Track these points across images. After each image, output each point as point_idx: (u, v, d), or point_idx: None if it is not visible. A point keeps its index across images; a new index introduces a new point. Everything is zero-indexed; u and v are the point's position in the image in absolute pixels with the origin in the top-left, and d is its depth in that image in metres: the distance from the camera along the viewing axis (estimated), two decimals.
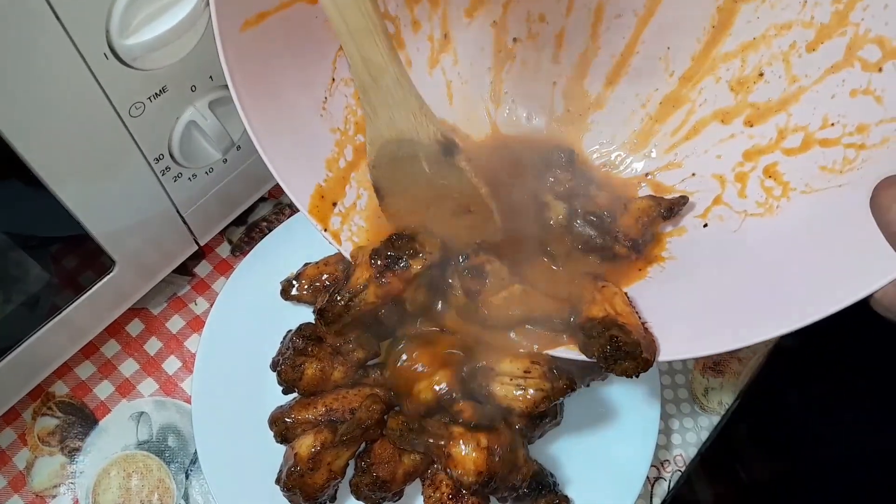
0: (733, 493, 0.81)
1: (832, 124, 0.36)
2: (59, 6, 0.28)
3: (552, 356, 0.38)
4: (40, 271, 0.38)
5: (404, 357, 0.39)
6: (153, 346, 0.53)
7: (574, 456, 0.46)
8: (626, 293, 0.38)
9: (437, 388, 0.39)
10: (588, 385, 0.41)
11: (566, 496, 0.43)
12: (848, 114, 0.35)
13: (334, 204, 0.40)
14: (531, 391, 0.37)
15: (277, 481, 0.41)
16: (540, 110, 0.48)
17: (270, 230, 0.53)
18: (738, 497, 0.81)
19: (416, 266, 0.37)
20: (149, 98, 0.36)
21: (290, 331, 0.45)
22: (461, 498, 0.40)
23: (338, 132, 0.42)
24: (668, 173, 0.45)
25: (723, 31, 0.41)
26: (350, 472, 0.41)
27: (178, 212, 0.45)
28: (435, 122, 0.34)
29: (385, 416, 0.40)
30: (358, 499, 0.41)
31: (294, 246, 0.50)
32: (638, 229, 0.41)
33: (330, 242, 0.39)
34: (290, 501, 0.41)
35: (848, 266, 0.31)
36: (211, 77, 0.39)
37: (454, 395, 0.39)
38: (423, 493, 0.42)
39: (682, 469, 0.50)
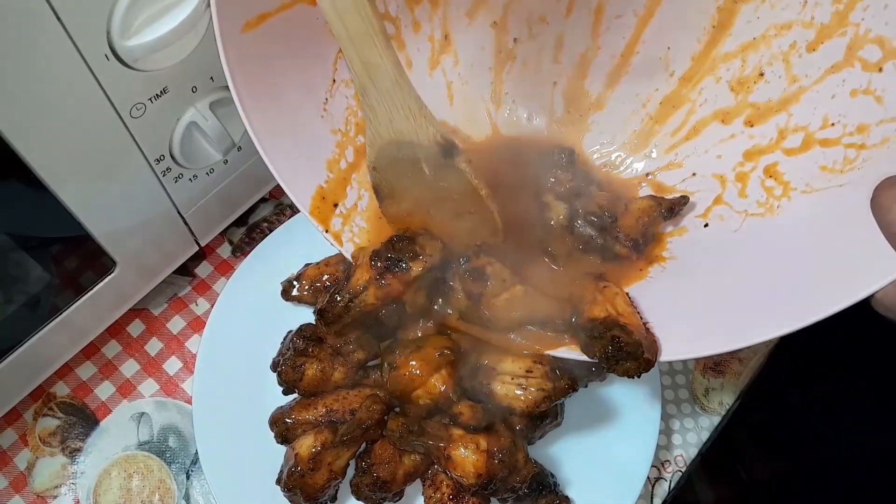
0: (734, 494, 0.81)
1: (832, 124, 0.36)
2: (60, 8, 0.28)
3: (554, 356, 0.38)
4: (41, 272, 0.38)
5: (397, 364, 0.39)
6: (154, 346, 0.53)
7: (575, 456, 0.46)
8: (627, 293, 0.38)
9: (435, 391, 0.39)
10: (587, 386, 0.41)
11: (567, 497, 0.43)
12: (848, 114, 0.35)
13: (335, 205, 0.40)
14: (532, 390, 0.37)
15: (278, 482, 0.41)
16: (540, 111, 0.48)
17: (271, 231, 0.53)
18: (739, 497, 0.81)
19: (417, 268, 0.37)
20: (150, 99, 0.36)
21: (290, 331, 0.45)
22: (461, 498, 0.40)
23: (339, 133, 0.42)
24: (668, 173, 0.45)
25: (723, 31, 0.41)
26: (350, 472, 0.41)
27: (178, 212, 0.45)
28: (434, 124, 0.34)
29: (385, 417, 0.40)
30: (358, 499, 0.41)
31: (295, 247, 0.50)
32: (639, 229, 0.41)
33: (331, 243, 0.39)
34: (290, 502, 0.41)
35: (849, 266, 0.31)
36: (212, 78, 0.39)
37: (452, 397, 0.39)
38: (423, 494, 0.42)
39: (683, 469, 0.50)
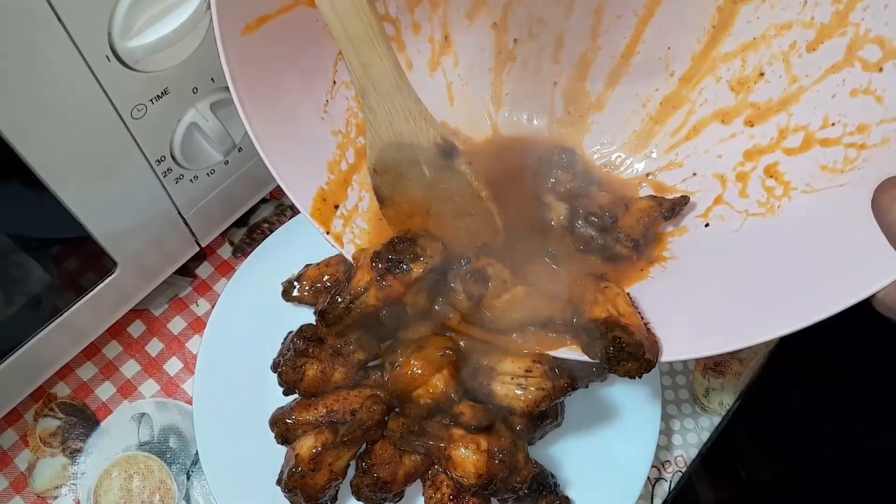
0: (734, 494, 0.81)
1: (833, 124, 0.36)
2: (61, 9, 0.28)
3: (554, 356, 0.38)
4: (42, 273, 0.38)
5: (399, 363, 0.39)
6: (154, 347, 0.53)
7: (575, 457, 0.46)
8: (628, 294, 0.38)
9: (436, 390, 0.39)
10: (587, 386, 0.41)
11: (567, 497, 0.43)
12: (848, 113, 0.35)
13: (336, 206, 0.40)
14: (532, 390, 0.37)
15: (278, 482, 0.41)
16: (541, 111, 0.48)
17: (272, 231, 0.53)
18: (739, 498, 0.81)
19: (417, 270, 0.37)
20: (150, 100, 0.36)
21: (291, 332, 0.45)
22: (462, 498, 0.40)
23: (339, 135, 0.42)
24: (669, 173, 0.45)
25: (723, 31, 0.41)
26: (351, 472, 0.41)
27: (179, 213, 0.45)
28: (434, 126, 0.34)
29: (386, 418, 0.40)
30: (359, 499, 0.41)
31: (295, 247, 0.50)
32: (639, 229, 0.41)
33: (332, 245, 0.39)
34: (291, 502, 0.41)
35: (850, 266, 0.31)
36: (212, 79, 0.39)
37: (453, 397, 0.39)
38: (423, 494, 0.42)
39: (683, 470, 0.50)
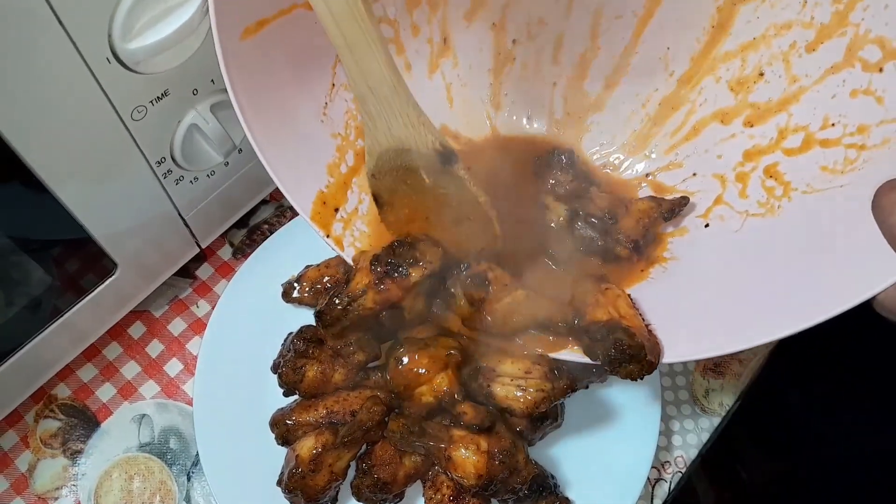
0: (734, 495, 0.81)
1: (833, 124, 0.36)
2: (61, 11, 0.28)
3: (553, 357, 0.38)
4: (42, 274, 0.38)
5: (405, 360, 0.39)
6: (155, 348, 0.53)
7: (575, 457, 0.46)
8: (629, 295, 0.38)
9: (440, 389, 0.39)
10: (587, 387, 0.41)
11: (567, 498, 0.43)
12: (848, 114, 0.35)
13: (336, 209, 0.40)
14: (532, 391, 0.37)
15: (279, 483, 0.41)
16: (540, 112, 0.48)
17: (272, 232, 0.53)
18: (739, 498, 0.81)
19: (416, 274, 0.37)
20: (151, 101, 0.36)
21: (291, 333, 0.45)
22: (462, 499, 0.40)
23: (339, 137, 0.42)
24: (668, 174, 0.45)
25: (722, 31, 0.41)
26: (351, 473, 0.41)
27: (179, 214, 0.45)
28: (433, 131, 0.34)
29: (386, 418, 0.40)
30: (359, 500, 0.41)
31: (295, 248, 0.50)
32: (639, 230, 0.41)
33: (332, 248, 0.39)
34: (291, 503, 0.41)
35: (850, 268, 0.31)
36: (212, 80, 0.39)
37: (456, 396, 0.39)
38: (423, 495, 0.42)
39: (683, 470, 0.50)
